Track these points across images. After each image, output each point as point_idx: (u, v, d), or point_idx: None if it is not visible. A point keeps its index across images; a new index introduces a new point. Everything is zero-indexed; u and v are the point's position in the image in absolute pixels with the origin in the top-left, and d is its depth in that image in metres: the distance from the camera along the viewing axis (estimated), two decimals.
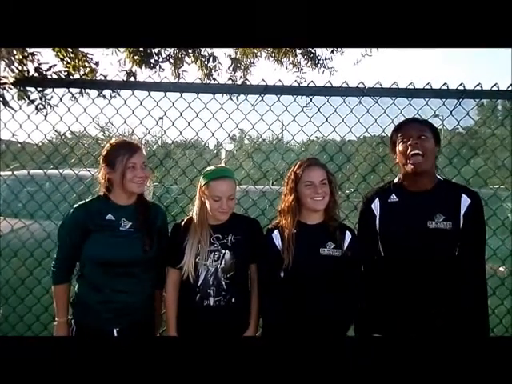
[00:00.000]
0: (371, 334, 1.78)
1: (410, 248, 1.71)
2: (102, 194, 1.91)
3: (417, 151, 1.71)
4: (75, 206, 1.91)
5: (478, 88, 2.43)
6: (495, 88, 2.43)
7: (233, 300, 1.84)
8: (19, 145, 2.78)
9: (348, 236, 1.84)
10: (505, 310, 2.48)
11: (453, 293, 1.69)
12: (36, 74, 2.82)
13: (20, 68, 2.79)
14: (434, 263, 1.69)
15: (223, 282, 1.84)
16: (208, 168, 1.98)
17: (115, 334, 1.80)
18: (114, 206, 1.87)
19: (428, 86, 2.43)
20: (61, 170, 2.72)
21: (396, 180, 1.87)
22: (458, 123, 2.51)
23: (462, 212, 1.70)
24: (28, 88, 2.74)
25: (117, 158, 1.82)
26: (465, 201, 1.72)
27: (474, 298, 1.69)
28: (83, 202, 1.92)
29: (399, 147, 1.79)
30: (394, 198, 1.81)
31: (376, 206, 1.83)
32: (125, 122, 2.62)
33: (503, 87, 2.41)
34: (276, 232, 1.86)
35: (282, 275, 1.80)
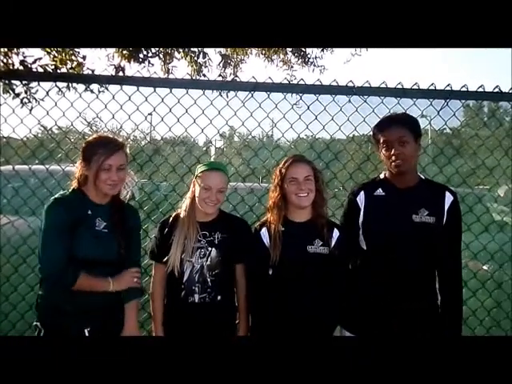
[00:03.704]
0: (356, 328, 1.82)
1: (395, 240, 1.76)
2: (75, 187, 1.82)
3: (398, 161, 1.76)
4: (52, 202, 1.76)
5: (464, 89, 2.47)
6: (481, 90, 2.48)
7: (218, 298, 1.84)
8: (4, 139, 2.72)
9: (336, 233, 1.85)
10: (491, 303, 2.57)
11: (432, 284, 1.81)
12: (21, 67, 2.76)
13: (5, 60, 2.73)
14: (417, 255, 1.76)
15: (208, 279, 1.84)
16: (206, 161, 2.03)
17: (86, 334, 1.74)
18: (90, 202, 1.81)
19: (416, 87, 2.47)
20: (47, 166, 2.67)
21: (382, 176, 1.92)
22: (445, 123, 2.56)
23: (446, 207, 1.81)
24: (13, 81, 2.69)
25: (93, 157, 1.75)
26: (448, 198, 1.83)
27: (453, 284, 1.81)
28: (59, 196, 1.80)
29: (382, 151, 1.82)
30: (380, 192, 1.86)
31: (361, 199, 1.88)
32: (113, 117, 2.59)
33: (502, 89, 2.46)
34: (264, 230, 1.86)
35: (270, 272, 1.80)
